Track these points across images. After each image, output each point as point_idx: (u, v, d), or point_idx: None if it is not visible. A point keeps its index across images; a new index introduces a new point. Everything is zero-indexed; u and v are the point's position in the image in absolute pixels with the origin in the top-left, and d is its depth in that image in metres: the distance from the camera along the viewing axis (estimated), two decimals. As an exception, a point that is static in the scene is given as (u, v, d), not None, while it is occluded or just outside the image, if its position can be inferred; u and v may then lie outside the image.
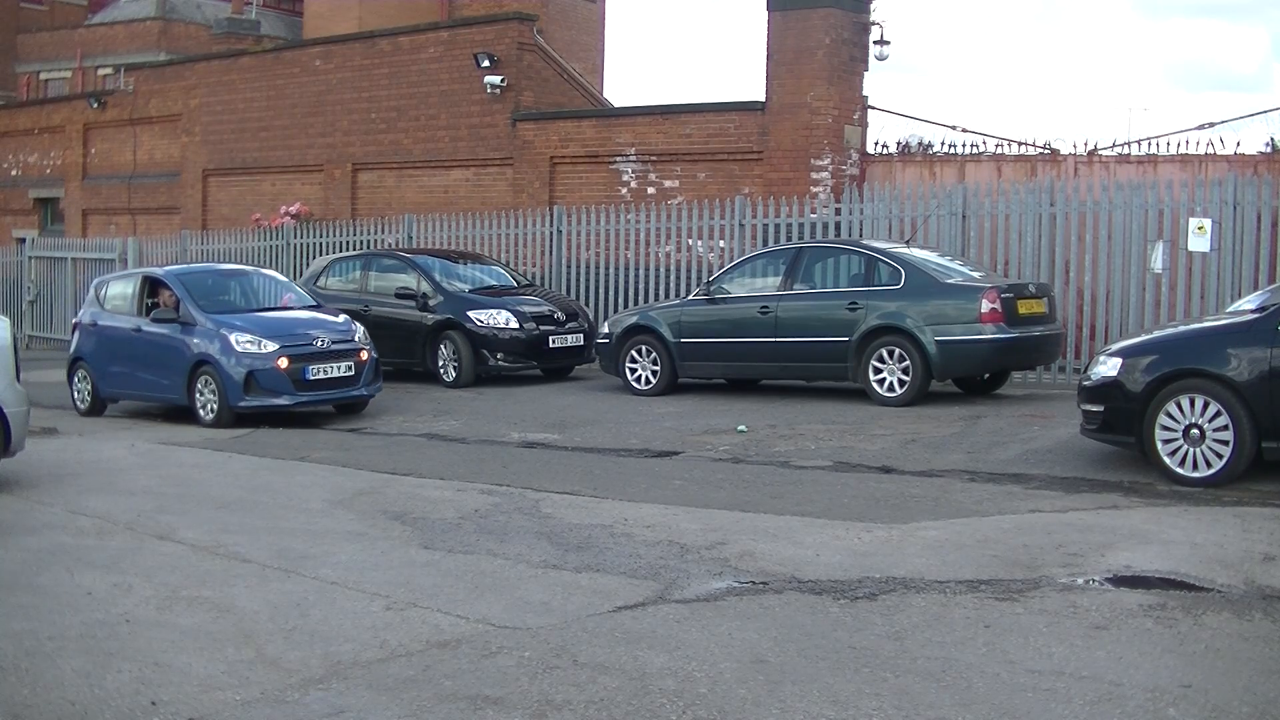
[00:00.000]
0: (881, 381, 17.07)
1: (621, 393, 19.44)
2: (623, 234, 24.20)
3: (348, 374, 18.48)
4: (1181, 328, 13.27)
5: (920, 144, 23.94)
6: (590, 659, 6.93)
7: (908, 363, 16.91)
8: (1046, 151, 22.52)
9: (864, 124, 24.40)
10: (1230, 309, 14.94)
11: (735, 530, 10.16)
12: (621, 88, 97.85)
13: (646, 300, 23.09)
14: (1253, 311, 12.54)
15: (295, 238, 29.43)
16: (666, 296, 22.76)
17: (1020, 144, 23.06)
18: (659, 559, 9.26)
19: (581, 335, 21.64)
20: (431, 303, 21.34)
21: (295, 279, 26.10)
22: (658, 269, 23.69)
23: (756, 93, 24.86)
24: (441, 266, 22.44)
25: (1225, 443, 11.54)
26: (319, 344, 18.41)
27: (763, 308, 18.24)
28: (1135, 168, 21.25)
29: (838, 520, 10.47)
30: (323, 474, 13.62)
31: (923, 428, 15.13)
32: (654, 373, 19.28)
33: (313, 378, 18.15)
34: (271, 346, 18.01)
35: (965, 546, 9.44)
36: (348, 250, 26.87)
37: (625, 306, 23.21)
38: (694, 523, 10.49)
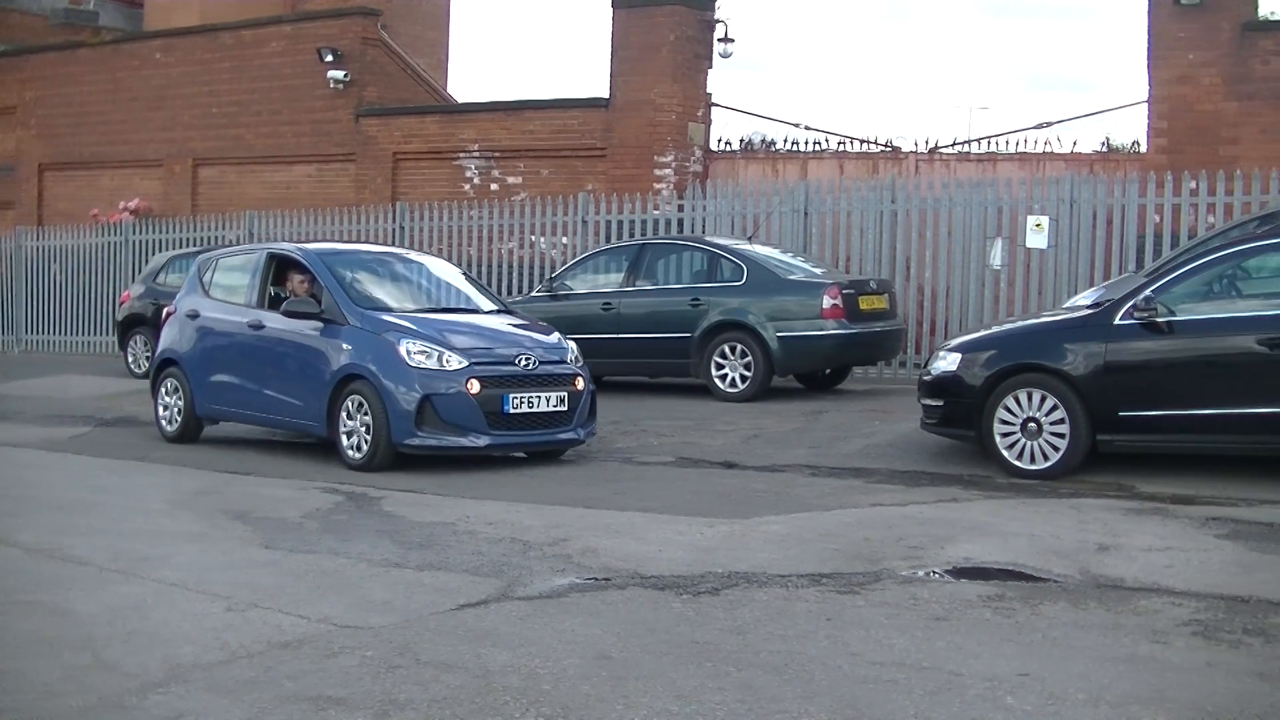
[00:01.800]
0: (724, 377, 17.15)
1: (466, 390, 19.32)
2: (466, 230, 24.13)
3: (558, 408, 13.43)
4: (1019, 323, 13.49)
5: (763, 141, 24.13)
6: (433, 657, 6.87)
7: (750, 359, 17.01)
8: (888, 149, 22.78)
9: (708, 121, 24.55)
10: (1067, 304, 15.22)
11: (578, 527, 10.15)
12: (466, 83, 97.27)
13: (491, 297, 22.99)
14: (1088, 307, 12.81)
15: (135, 234, 28.93)
16: (509, 293, 22.65)
17: (863, 142, 23.29)
18: (502, 556, 9.22)
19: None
20: (273, 299, 20.97)
21: (134, 276, 25.77)
22: (501, 265, 23.67)
23: (602, 89, 24.92)
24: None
25: (1061, 436, 11.74)
26: (522, 364, 13.37)
27: (605, 304, 18.24)
28: (975, 166, 21.56)
29: (681, 516, 10.48)
30: (163, 474, 13.41)
31: (765, 423, 15.21)
32: (498, 370, 19.14)
33: (513, 410, 13.14)
34: (457, 362, 13.11)
35: (807, 541, 9.49)
36: (187, 247, 26.44)
37: (469, 303, 23.06)
38: (537, 520, 10.46)
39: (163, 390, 15.76)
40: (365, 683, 6.48)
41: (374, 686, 6.42)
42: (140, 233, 28.92)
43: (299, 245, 15.48)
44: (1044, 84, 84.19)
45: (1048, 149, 21.20)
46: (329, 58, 28.02)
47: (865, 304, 17.18)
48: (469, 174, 26.30)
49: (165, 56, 31.49)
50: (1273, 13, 21.66)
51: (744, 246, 18.17)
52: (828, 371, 18.23)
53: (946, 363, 12.51)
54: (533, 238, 23.34)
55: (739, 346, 17.11)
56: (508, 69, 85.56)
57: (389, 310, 14.02)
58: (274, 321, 14.44)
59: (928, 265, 20.02)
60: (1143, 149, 20.76)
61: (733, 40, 24.99)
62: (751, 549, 9.26)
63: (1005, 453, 11.99)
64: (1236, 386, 11.35)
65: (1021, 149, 21.42)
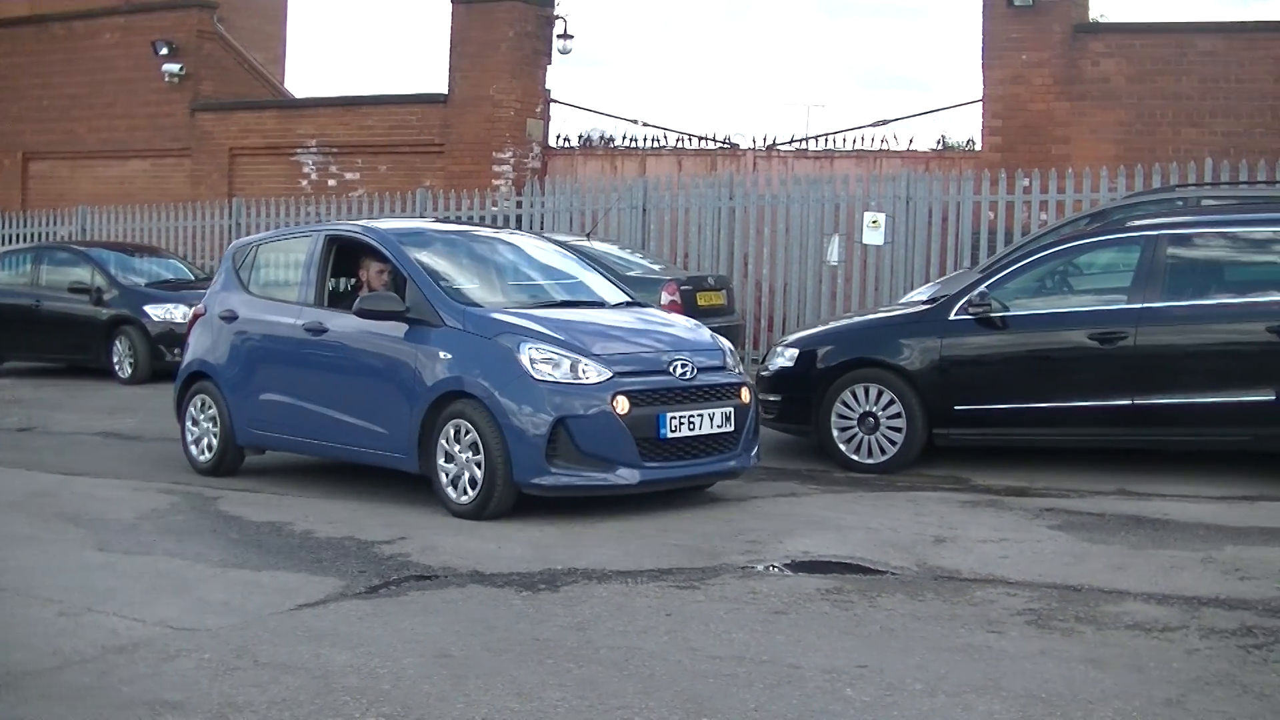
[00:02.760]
0: (564, 374, 17.07)
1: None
2: (304, 227, 23.92)
3: (723, 429, 10.51)
4: (856, 318, 13.63)
5: (602, 138, 24.27)
6: (272, 658, 6.80)
7: (590, 355, 16.96)
8: (726, 146, 22.92)
9: (546, 117, 24.59)
10: (903, 300, 15.40)
11: (416, 525, 10.07)
12: (305, 78, 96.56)
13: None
14: (924, 303, 13.00)
15: (-39, 230, 28.36)
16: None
17: (701, 139, 23.42)
18: (341, 555, 9.14)
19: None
20: (106, 297, 20.70)
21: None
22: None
23: (441, 85, 24.85)
24: (117, 260, 21.74)
25: (899, 430, 11.91)
26: (678, 372, 10.43)
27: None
28: (813, 163, 21.76)
29: (519, 513, 10.39)
30: (-8, 475, 13.12)
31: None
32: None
33: (671, 435, 10.19)
34: (597, 373, 10.13)
35: (646, 536, 9.51)
36: (17, 244, 25.95)
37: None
38: (375, 518, 10.38)
39: (192, 410, 12.79)
40: (203, 685, 6.39)
41: (212, 689, 6.33)
42: (-33, 229, 28.34)
43: (366, 225, 12.41)
44: (880, 83, 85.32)
45: (884, 147, 21.48)
46: (164, 50, 27.66)
47: (703, 300, 17.22)
48: (306, 170, 26.11)
49: (-7, 47, 30.86)
50: (1103, 15, 22.12)
51: (582, 243, 18.14)
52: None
53: (784, 358, 12.61)
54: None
55: (578, 343, 17.05)
56: (346, 64, 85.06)
57: (496, 306, 11.05)
58: (340, 323, 11.48)
59: (766, 261, 20.16)
60: (977, 147, 21.11)
61: (572, 36, 25.09)
62: (591, 545, 9.26)
63: (843, 447, 12.13)
64: (1068, 380, 11.59)
65: (858, 147, 21.68)
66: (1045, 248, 12.45)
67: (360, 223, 12.86)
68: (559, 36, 24.91)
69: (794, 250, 19.79)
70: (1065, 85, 19.86)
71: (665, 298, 16.68)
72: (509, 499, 10.17)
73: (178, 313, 20.20)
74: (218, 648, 7.00)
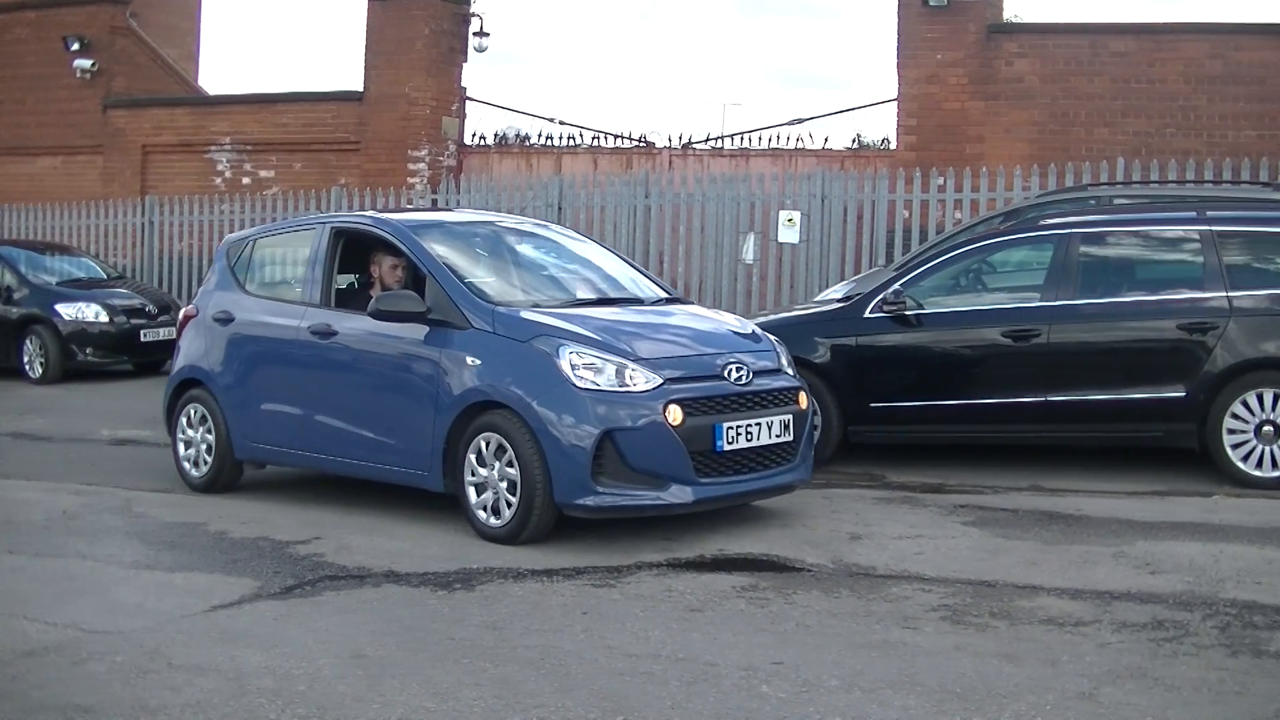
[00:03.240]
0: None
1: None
2: (217, 225, 23.65)
3: (782, 438, 9.59)
4: (771, 316, 13.63)
5: (518, 136, 24.23)
6: (186, 660, 6.74)
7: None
8: (642, 145, 22.92)
9: (462, 115, 24.51)
10: (818, 298, 15.45)
11: (331, 525, 10.02)
12: (219, 75, 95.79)
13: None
14: (839, 301, 13.04)
15: None
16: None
17: (617, 137, 23.40)
18: (255, 555, 9.08)
19: (174, 329, 21.04)
20: (16, 296, 20.47)
21: None
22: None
23: (357, 83, 24.73)
24: (27, 258, 21.49)
25: (814, 428, 11.89)
26: (732, 376, 9.48)
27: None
28: (728, 161, 21.79)
29: (434, 513, 10.29)
30: (-102, 476, 12.93)
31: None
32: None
33: (728, 447, 9.24)
34: (645, 379, 9.14)
35: (562, 534, 9.45)
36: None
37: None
38: (289, 518, 10.31)
39: (184, 421, 11.74)
40: (115, 689, 6.33)
41: (124, 693, 6.28)
42: (-126, 228, 27.93)
43: (377, 216, 11.28)
44: (796, 81, 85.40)
45: (800, 145, 21.53)
46: (75, 46, 27.31)
47: (621, 298, 17.22)
48: (220, 167, 25.88)
49: (-100, 43, 30.40)
50: (1016, 15, 22.23)
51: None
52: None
53: (701, 356, 12.60)
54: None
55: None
56: (261, 61, 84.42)
57: (528, 305, 10.01)
58: (350, 325, 10.48)
59: (681, 260, 20.17)
60: (892, 146, 21.18)
61: (488, 34, 24.98)
62: (505, 544, 9.24)
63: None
64: (982, 377, 11.68)
65: (774, 145, 21.72)
66: (959, 246, 12.53)
67: (370, 214, 11.77)
68: (475, 34, 24.82)
69: (709, 248, 19.82)
70: (980, 85, 19.97)
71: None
72: (548, 521, 9.23)
73: (89, 311, 20.11)
74: (130, 650, 6.94)
